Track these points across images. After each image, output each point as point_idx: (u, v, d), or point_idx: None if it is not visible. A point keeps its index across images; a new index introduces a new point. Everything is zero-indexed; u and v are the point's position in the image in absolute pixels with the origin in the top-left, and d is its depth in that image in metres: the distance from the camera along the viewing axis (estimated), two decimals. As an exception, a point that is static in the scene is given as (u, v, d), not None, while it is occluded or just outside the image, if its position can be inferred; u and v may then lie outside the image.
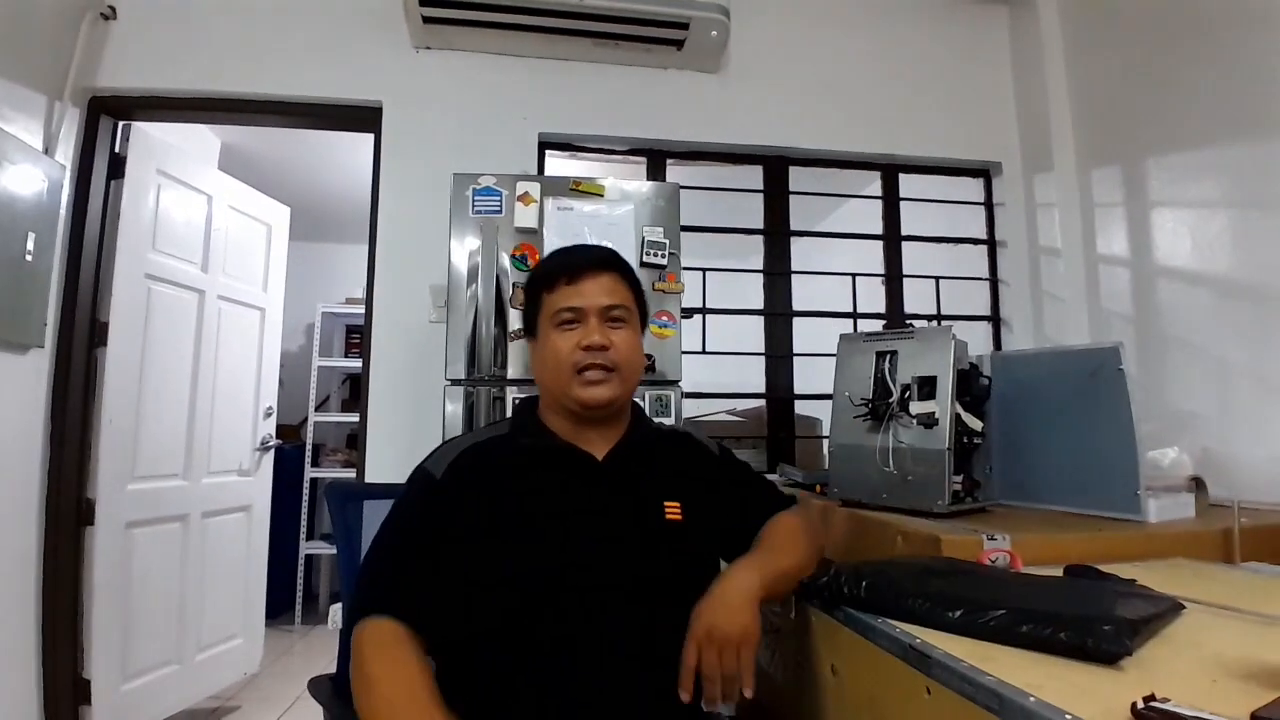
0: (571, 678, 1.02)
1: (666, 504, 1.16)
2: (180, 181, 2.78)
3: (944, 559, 1.20)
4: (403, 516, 1.13)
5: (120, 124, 2.56)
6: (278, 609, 3.83)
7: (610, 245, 2.06)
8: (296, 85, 2.57)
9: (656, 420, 1.42)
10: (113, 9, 2.45)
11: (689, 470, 1.25)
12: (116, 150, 2.55)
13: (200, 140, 3.37)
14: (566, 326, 1.16)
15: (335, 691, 1.23)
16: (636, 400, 1.31)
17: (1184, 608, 0.94)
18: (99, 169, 2.48)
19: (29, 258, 2.15)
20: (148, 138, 2.62)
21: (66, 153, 2.35)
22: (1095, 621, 0.77)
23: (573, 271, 1.19)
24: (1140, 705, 0.60)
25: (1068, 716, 0.61)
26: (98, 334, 2.46)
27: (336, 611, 1.32)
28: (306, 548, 4.18)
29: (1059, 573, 1.10)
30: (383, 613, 1.01)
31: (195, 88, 2.52)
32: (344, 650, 1.38)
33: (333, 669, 1.45)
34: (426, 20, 2.46)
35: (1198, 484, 1.64)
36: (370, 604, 1.03)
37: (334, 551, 4.24)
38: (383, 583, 1.07)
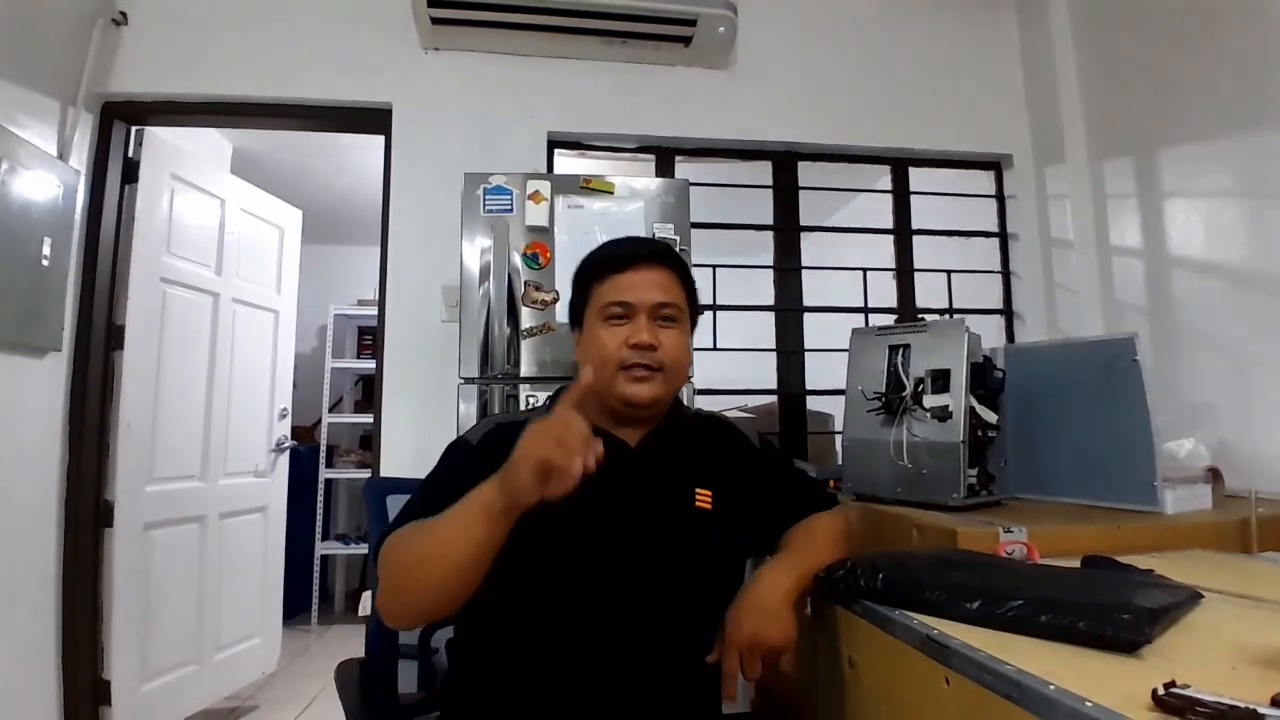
0: (591, 660, 1.02)
1: (697, 491, 1.14)
2: (193, 185, 2.80)
3: (960, 551, 1.20)
4: (437, 475, 1.12)
5: (133, 129, 2.59)
6: (294, 609, 3.86)
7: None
8: (307, 88, 2.58)
9: (702, 409, 1.38)
10: (124, 15, 2.47)
11: (724, 459, 1.22)
12: (130, 155, 2.57)
13: (212, 144, 3.40)
14: (615, 321, 1.13)
15: (363, 675, 1.24)
16: (681, 400, 1.28)
17: (1202, 597, 0.93)
18: (113, 174, 2.50)
19: (45, 262, 2.17)
20: (160, 142, 2.64)
21: (80, 158, 2.37)
22: (1114, 610, 0.77)
23: (625, 264, 1.15)
24: (1161, 691, 0.59)
25: (1088, 703, 0.60)
26: (114, 337, 2.49)
27: (367, 599, 1.32)
28: (322, 548, 4.22)
29: (1076, 564, 1.10)
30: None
31: (207, 92, 2.54)
32: (372, 631, 1.39)
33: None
34: (435, 21, 2.47)
35: (1214, 475, 1.63)
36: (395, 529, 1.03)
37: (349, 551, 4.29)
38: (408, 517, 1.05)
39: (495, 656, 1.07)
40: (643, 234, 2.12)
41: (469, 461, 1.10)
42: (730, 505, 1.16)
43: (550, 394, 1.24)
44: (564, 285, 2.04)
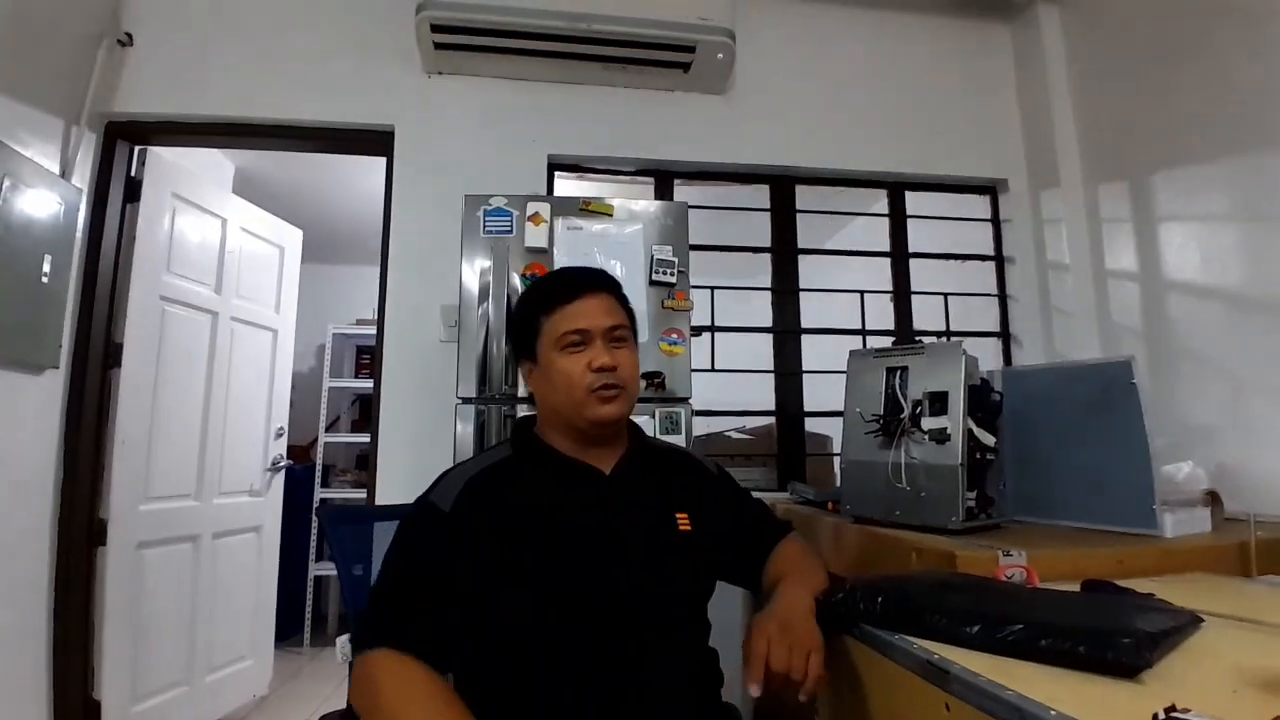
0: (591, 689, 1.02)
1: (678, 515, 1.18)
2: (195, 205, 2.82)
3: (960, 574, 1.20)
4: (412, 550, 1.09)
5: (136, 148, 2.60)
6: (286, 630, 3.81)
7: (619, 264, 2.12)
8: (310, 110, 2.61)
9: (657, 438, 1.44)
10: (129, 35, 2.49)
11: (690, 485, 1.27)
12: (132, 174, 2.58)
13: (214, 164, 3.42)
14: (573, 349, 1.16)
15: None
16: (633, 419, 1.31)
17: (1202, 621, 0.93)
18: (115, 192, 2.51)
19: (45, 279, 2.17)
20: (163, 162, 2.66)
21: (83, 176, 2.38)
22: (1114, 634, 0.76)
23: (572, 294, 1.19)
24: (1162, 716, 0.59)
25: (1089, 729, 0.60)
26: (112, 355, 2.48)
27: (344, 643, 1.31)
28: (315, 569, 4.18)
29: (1076, 588, 1.10)
30: (393, 646, 0.96)
31: (210, 113, 2.56)
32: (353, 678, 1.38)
33: (341, 693, 1.45)
34: (438, 46, 2.50)
35: (1213, 498, 1.63)
36: (380, 636, 0.98)
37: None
38: (392, 616, 1.01)
39: (491, 695, 1.04)
40: (641, 256, 2.14)
41: (445, 536, 1.07)
42: (706, 528, 1.20)
43: (514, 425, 1.29)
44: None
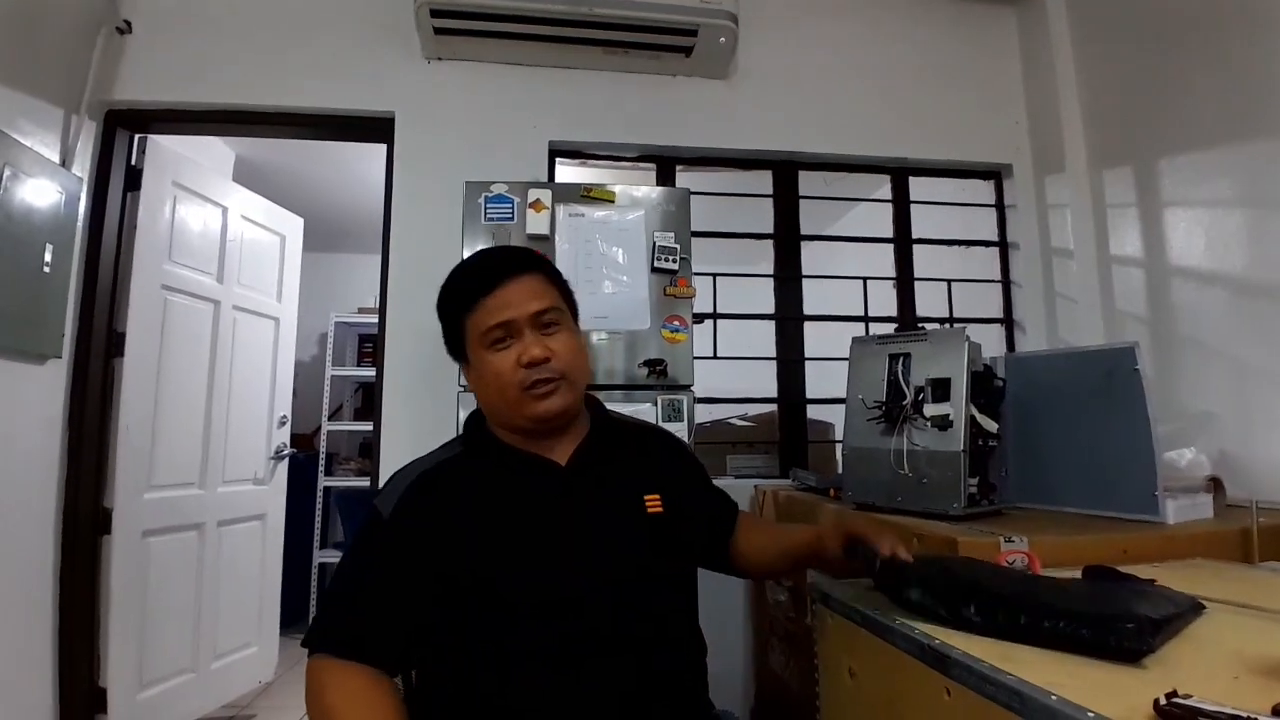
0: (560, 693, 1.00)
1: (647, 498, 1.13)
2: (195, 193, 2.81)
3: (961, 559, 1.20)
4: (355, 557, 1.09)
5: (136, 137, 2.59)
6: (292, 618, 3.83)
7: (621, 251, 2.11)
8: (310, 97, 2.59)
9: (627, 415, 1.34)
10: (128, 23, 2.47)
11: (663, 463, 1.23)
12: (133, 163, 2.57)
13: (214, 153, 3.41)
14: (500, 345, 1.08)
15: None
16: (598, 398, 1.27)
17: (1204, 607, 0.93)
18: (115, 181, 2.50)
19: (46, 269, 2.17)
20: (163, 150, 2.65)
21: (83, 165, 2.37)
22: (1117, 620, 0.76)
23: (490, 284, 1.09)
24: (1163, 701, 0.59)
25: (1090, 714, 0.60)
26: (115, 344, 2.49)
27: None
28: (320, 556, 4.19)
29: (1078, 574, 1.10)
30: (333, 651, 1.00)
31: (210, 100, 2.55)
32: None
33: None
34: (438, 31, 2.48)
35: (1215, 484, 1.63)
36: (322, 642, 1.02)
37: (348, 560, 4.26)
38: (333, 622, 1.04)
39: (459, 700, 1.03)
40: (643, 242, 2.13)
41: (385, 544, 1.06)
42: (679, 505, 1.16)
43: (466, 420, 1.22)
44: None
